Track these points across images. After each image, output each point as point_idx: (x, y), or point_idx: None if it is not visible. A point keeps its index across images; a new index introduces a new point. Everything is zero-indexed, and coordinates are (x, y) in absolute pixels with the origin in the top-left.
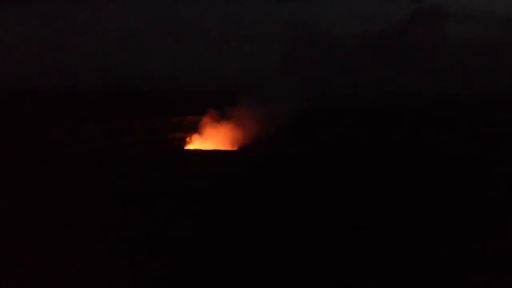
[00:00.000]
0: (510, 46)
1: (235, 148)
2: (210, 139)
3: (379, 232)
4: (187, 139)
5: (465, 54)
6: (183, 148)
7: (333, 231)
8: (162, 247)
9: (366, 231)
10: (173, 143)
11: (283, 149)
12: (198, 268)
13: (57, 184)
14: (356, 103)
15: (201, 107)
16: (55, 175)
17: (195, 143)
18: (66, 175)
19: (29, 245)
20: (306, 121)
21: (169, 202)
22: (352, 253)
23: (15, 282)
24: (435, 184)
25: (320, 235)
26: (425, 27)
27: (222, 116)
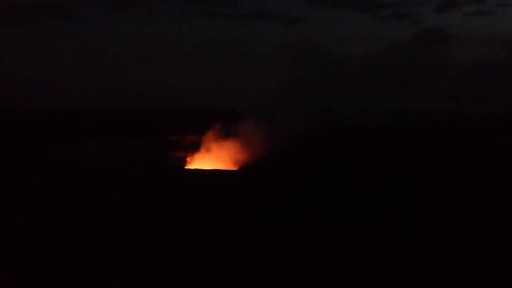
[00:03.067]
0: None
1: (236, 168)
2: (212, 157)
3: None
4: (188, 158)
5: (466, 74)
6: (183, 167)
7: (336, 256)
8: (159, 267)
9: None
10: (173, 163)
11: (284, 169)
12: None
13: (56, 200)
14: (359, 121)
15: (203, 126)
16: (55, 192)
17: (196, 163)
18: (66, 192)
19: (29, 262)
20: (309, 139)
21: (168, 221)
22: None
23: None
24: (436, 200)
25: (322, 262)
26: (426, 48)
27: (226, 133)
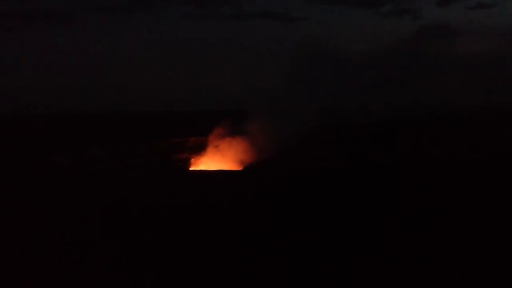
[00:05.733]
0: None
1: (241, 168)
2: (217, 157)
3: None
4: (192, 160)
5: (470, 68)
6: (187, 169)
7: (337, 256)
8: (163, 268)
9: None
10: (177, 164)
11: (289, 169)
12: None
13: (61, 206)
14: (365, 117)
15: (206, 128)
16: (59, 198)
17: (200, 164)
18: (70, 197)
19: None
20: (315, 137)
21: (174, 223)
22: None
23: None
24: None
25: (324, 261)
26: (430, 43)
27: (231, 132)
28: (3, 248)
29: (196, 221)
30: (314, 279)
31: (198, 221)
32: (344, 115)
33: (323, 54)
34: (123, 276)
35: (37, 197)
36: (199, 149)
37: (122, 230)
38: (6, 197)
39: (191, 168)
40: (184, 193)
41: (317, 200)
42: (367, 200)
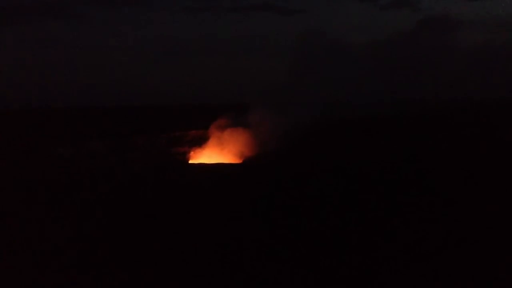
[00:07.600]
0: None
1: (240, 161)
2: (217, 150)
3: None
4: (191, 153)
5: (472, 60)
6: (187, 162)
7: (337, 256)
8: (163, 265)
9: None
10: (176, 158)
11: (289, 163)
12: None
13: (61, 201)
14: (365, 111)
15: (205, 121)
16: (58, 192)
17: (200, 157)
18: (70, 191)
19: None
20: (316, 131)
21: (173, 217)
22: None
23: None
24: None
25: (323, 261)
26: (431, 35)
27: (232, 124)
28: (4, 242)
29: (194, 216)
30: (313, 275)
31: (197, 216)
32: (346, 108)
33: (325, 47)
34: (123, 273)
35: (39, 189)
36: (199, 143)
37: (121, 225)
38: (7, 190)
39: (190, 161)
40: (182, 186)
41: (316, 196)
42: (366, 198)
